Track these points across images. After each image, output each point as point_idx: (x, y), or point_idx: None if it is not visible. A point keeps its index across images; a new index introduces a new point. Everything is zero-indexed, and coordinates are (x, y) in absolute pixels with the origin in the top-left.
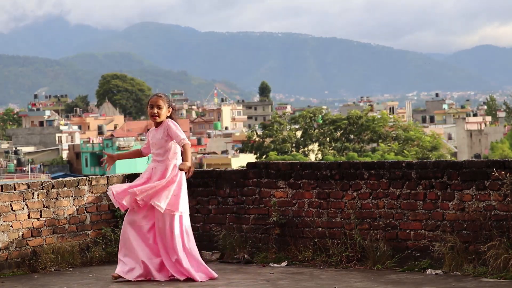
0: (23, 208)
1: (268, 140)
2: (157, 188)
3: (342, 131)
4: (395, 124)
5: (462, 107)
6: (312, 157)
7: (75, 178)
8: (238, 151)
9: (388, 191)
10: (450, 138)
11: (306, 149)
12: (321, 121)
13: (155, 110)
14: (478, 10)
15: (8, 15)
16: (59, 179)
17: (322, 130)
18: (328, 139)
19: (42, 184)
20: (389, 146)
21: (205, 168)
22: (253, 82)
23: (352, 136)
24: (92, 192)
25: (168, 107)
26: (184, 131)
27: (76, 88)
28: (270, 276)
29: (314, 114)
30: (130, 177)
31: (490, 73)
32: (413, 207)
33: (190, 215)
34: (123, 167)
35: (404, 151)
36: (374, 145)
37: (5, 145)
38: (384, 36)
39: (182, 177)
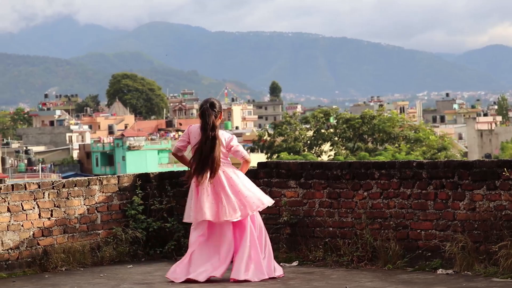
0: (34, 208)
1: (279, 139)
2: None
3: (355, 131)
4: (404, 124)
5: (473, 107)
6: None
7: (85, 178)
8: (248, 150)
9: (399, 191)
10: (460, 138)
11: (318, 148)
12: (334, 121)
13: None
14: (488, 10)
15: (18, 14)
16: (70, 179)
17: (336, 130)
18: (340, 138)
19: (52, 184)
20: (396, 147)
21: None
22: (264, 81)
23: (366, 136)
24: (102, 192)
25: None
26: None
27: (86, 88)
28: (281, 275)
29: (327, 114)
30: (141, 177)
31: (500, 72)
32: (424, 207)
33: None
34: (133, 167)
35: (411, 152)
36: (385, 145)
37: (15, 145)
38: (395, 35)
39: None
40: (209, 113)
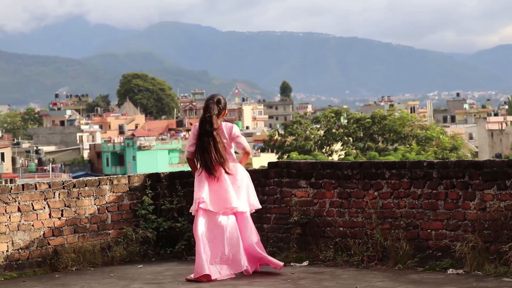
0: (44, 208)
1: (290, 138)
2: None
3: (365, 131)
4: (414, 124)
5: (483, 106)
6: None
7: (96, 178)
8: (259, 150)
9: (410, 191)
10: (471, 138)
11: (328, 148)
12: (345, 121)
13: None
14: (499, 10)
15: (29, 14)
16: (80, 179)
17: (346, 130)
18: (351, 138)
19: (63, 184)
20: (407, 147)
21: None
22: (274, 81)
23: (376, 136)
24: (113, 192)
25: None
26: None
27: (97, 88)
28: (292, 275)
29: (338, 114)
30: (152, 177)
31: (511, 72)
32: (434, 207)
33: None
34: (143, 166)
35: (422, 151)
36: (396, 145)
37: (26, 145)
38: (405, 35)
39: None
40: (212, 107)
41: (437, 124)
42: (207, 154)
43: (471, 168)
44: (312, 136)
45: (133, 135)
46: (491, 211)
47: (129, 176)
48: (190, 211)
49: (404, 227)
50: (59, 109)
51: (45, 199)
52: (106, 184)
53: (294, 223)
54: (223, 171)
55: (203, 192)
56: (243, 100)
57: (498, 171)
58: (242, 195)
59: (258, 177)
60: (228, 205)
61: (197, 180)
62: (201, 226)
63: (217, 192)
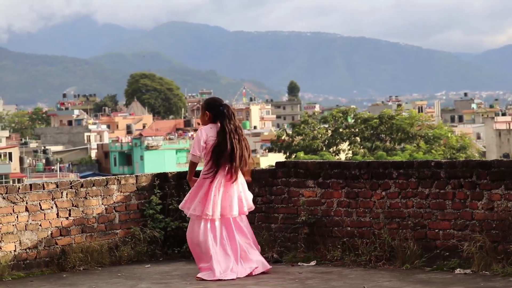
0: (52, 207)
1: (297, 138)
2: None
3: (373, 131)
4: (422, 123)
5: (491, 106)
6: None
7: (104, 177)
8: (267, 150)
9: (417, 191)
10: (479, 137)
11: (336, 148)
12: (352, 121)
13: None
14: (507, 9)
15: (37, 14)
16: (88, 178)
17: (353, 130)
18: (358, 138)
19: (71, 183)
20: (415, 146)
21: None
22: (282, 81)
23: (383, 136)
24: (121, 191)
25: (204, 112)
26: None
27: (104, 87)
28: (299, 275)
29: (345, 113)
30: (159, 177)
31: None
32: (442, 207)
33: None
34: (151, 166)
35: (432, 150)
36: (403, 144)
37: (34, 144)
38: (413, 35)
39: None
40: (234, 113)
41: (445, 124)
42: (237, 156)
43: (479, 168)
44: (320, 135)
45: (140, 135)
46: (498, 211)
47: (136, 176)
48: (188, 215)
49: (411, 227)
50: (66, 109)
51: (53, 198)
52: (114, 184)
53: (302, 223)
54: (224, 179)
55: (209, 207)
56: (251, 100)
57: (506, 171)
58: (242, 196)
59: (266, 176)
60: (231, 211)
61: (202, 192)
62: (207, 232)
63: (221, 200)
